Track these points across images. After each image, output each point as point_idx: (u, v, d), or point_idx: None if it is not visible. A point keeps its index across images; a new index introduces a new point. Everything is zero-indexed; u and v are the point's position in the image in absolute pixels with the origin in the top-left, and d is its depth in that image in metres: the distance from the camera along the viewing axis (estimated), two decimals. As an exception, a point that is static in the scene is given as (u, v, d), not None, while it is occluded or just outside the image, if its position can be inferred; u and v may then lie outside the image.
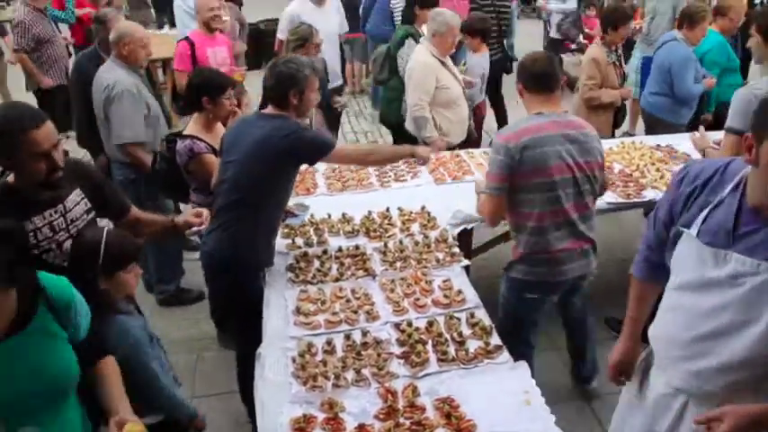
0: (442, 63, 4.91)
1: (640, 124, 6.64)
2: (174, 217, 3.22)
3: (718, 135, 4.23)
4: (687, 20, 5.26)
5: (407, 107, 5.04)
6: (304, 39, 4.74)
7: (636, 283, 2.40)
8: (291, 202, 3.75)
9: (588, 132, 3.10)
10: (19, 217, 2.39)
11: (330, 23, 6.38)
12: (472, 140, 5.43)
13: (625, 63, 5.82)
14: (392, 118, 5.63)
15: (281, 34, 6.26)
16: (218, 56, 5.50)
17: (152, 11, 10.72)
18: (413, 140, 4.93)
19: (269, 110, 3.25)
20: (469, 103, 5.50)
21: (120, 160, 4.39)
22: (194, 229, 3.13)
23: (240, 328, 3.45)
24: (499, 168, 3.00)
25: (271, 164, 3.10)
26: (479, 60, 6.07)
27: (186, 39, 5.53)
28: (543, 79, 3.07)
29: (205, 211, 3.16)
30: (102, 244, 2.46)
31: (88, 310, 2.17)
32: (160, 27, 10.16)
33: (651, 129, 5.59)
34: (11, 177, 2.49)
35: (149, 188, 4.28)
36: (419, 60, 4.91)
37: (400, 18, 7.61)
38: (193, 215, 3.13)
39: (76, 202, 2.63)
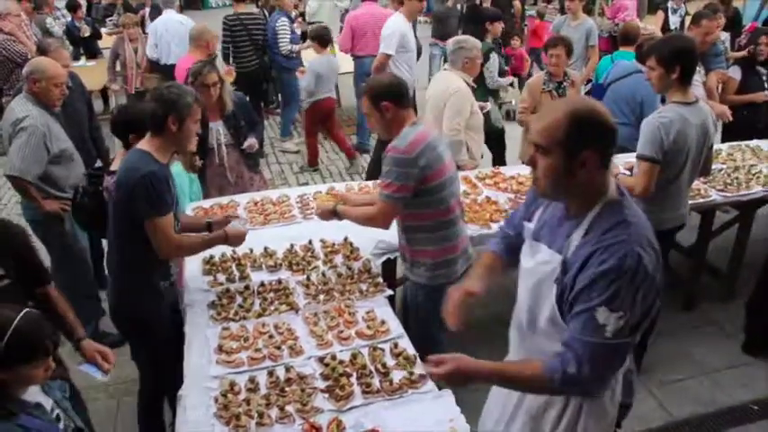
0: (471, 89, 5.07)
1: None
2: (85, 338, 2.97)
3: (626, 159, 4.45)
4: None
5: (443, 131, 5.03)
6: (193, 76, 4.46)
7: (488, 255, 2.66)
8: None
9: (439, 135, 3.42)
10: None
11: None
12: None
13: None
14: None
15: (390, 50, 6.76)
16: None
17: (66, 43, 10.43)
18: None
19: (145, 141, 3.13)
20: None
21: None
22: (84, 367, 2.91)
23: (149, 373, 3.40)
24: (405, 179, 3.10)
25: (126, 205, 3.01)
26: None
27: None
28: (407, 94, 3.26)
29: (110, 354, 2.94)
30: (11, 329, 2.04)
31: None
32: (76, 59, 9.94)
33: None
34: None
35: (55, 230, 4.14)
36: (458, 86, 4.99)
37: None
38: (96, 351, 2.91)
39: None
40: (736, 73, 6.17)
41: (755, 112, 6.08)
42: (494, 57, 6.68)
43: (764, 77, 6.08)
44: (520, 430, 2.35)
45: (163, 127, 3.04)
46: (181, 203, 3.78)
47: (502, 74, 6.94)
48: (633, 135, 5.41)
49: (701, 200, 4.60)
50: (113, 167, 3.59)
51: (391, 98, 3.14)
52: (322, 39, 7.40)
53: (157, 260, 3.15)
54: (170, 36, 8.10)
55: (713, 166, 4.85)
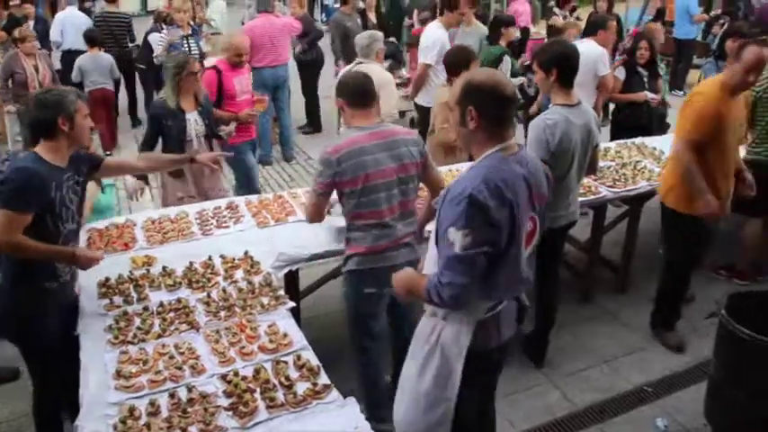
0: None
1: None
2: None
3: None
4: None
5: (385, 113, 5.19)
6: (180, 67, 4.71)
7: None
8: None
9: (400, 138, 3.38)
10: None
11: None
12: None
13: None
14: None
15: (430, 60, 6.58)
16: (243, 83, 5.89)
17: None
18: None
19: (38, 146, 3.08)
20: None
21: None
22: None
23: (41, 385, 3.32)
24: (324, 177, 3.30)
25: None
26: None
27: (214, 67, 5.82)
28: (362, 95, 3.40)
29: None
30: None
31: None
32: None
33: None
34: None
35: None
36: (386, 74, 5.69)
37: None
38: None
39: None
40: (620, 73, 6.54)
41: (638, 111, 6.47)
42: (506, 59, 6.96)
43: (645, 79, 6.47)
44: (413, 342, 2.81)
45: (55, 130, 3.04)
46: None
47: (514, 75, 7.18)
48: None
49: (593, 196, 4.81)
50: None
51: (344, 97, 3.44)
52: (93, 40, 8.62)
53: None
54: (76, 28, 9.17)
55: (603, 164, 5.11)
